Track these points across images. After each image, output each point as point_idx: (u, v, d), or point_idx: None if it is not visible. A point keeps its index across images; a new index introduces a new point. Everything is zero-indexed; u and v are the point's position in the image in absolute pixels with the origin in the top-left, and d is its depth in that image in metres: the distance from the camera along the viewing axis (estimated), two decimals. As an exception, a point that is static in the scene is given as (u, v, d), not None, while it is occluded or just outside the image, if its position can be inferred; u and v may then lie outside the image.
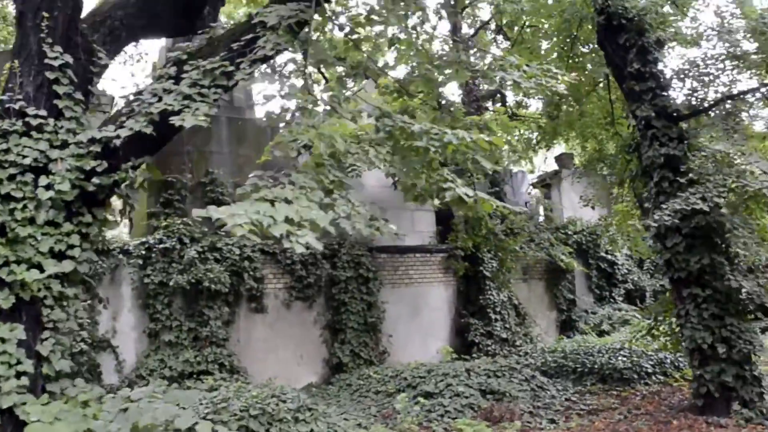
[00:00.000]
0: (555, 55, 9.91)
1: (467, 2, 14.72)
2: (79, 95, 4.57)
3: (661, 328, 9.39)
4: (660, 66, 8.67)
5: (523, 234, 12.62)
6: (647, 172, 8.61)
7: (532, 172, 18.91)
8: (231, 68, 4.73)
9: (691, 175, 7.86)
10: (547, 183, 16.52)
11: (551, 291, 14.63)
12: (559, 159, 16.52)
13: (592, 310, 14.77)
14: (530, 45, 11.11)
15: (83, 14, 5.24)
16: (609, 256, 15.20)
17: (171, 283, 10.02)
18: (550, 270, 14.51)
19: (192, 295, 10.26)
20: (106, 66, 4.95)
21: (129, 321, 10.11)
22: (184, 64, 5.20)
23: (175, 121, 4.22)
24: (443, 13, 17.12)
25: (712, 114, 8.33)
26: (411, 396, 8.53)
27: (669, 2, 9.09)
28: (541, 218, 16.20)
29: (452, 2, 16.26)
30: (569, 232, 14.92)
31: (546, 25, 9.73)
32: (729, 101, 8.20)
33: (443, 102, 14.25)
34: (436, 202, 5.00)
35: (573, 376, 10.41)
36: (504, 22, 14.50)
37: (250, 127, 12.73)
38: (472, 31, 15.90)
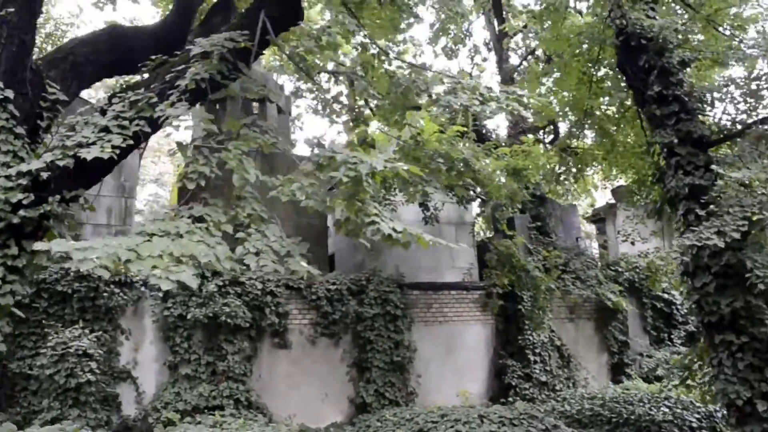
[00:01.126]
0: (576, 82, 9.37)
1: (510, 34, 14.38)
2: (20, 129, 4.60)
3: (697, 378, 8.50)
4: (686, 87, 8.01)
5: (555, 271, 11.91)
6: (673, 203, 7.92)
7: (592, 206, 18.03)
8: (155, 100, 4.66)
9: (711, 206, 7.14)
10: (601, 217, 15.68)
11: (601, 332, 13.71)
12: (615, 192, 15.68)
13: (648, 353, 13.71)
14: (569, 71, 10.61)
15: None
16: (665, 295, 14.13)
17: (189, 317, 10.05)
18: (599, 309, 13.62)
19: (212, 329, 10.24)
20: (63, 101, 5.00)
21: (151, 353, 10.19)
22: (114, 97, 5.16)
23: (81, 153, 4.17)
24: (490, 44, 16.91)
25: (743, 139, 7.58)
26: (418, 442, 8.10)
27: (696, 22, 8.41)
28: (595, 254, 15.34)
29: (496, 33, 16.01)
30: (620, 269, 14.01)
31: (566, 53, 9.25)
32: (762, 125, 7.43)
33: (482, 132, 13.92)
34: (376, 236, 4.67)
35: (607, 427, 9.59)
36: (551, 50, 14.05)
37: (281, 158, 12.75)
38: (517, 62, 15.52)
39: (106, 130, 4.38)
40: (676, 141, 7.84)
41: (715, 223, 6.71)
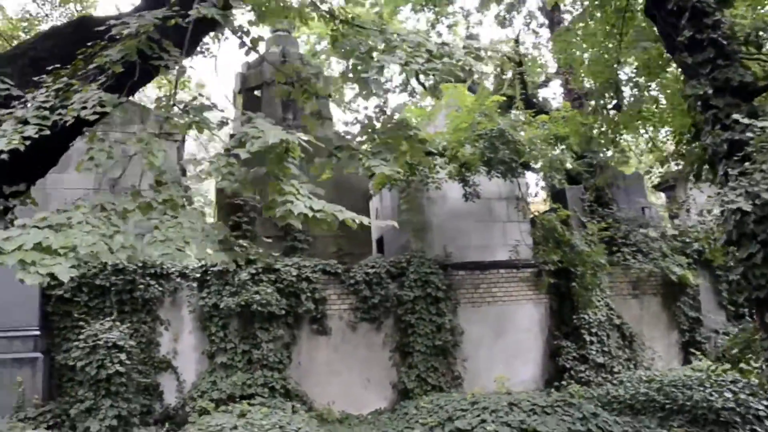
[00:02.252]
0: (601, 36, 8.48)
1: None
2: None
3: (752, 362, 7.59)
4: (725, 29, 7.04)
5: (600, 246, 11.05)
6: (712, 163, 7.04)
7: (648, 173, 16.66)
8: (76, 87, 4.47)
9: (747, 164, 6.24)
10: (670, 185, 14.49)
11: (669, 308, 12.70)
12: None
13: (725, 331, 12.57)
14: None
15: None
16: (743, 267, 12.86)
17: (223, 306, 10.08)
18: (667, 284, 12.60)
19: (247, 317, 10.23)
20: (17, 96, 4.93)
21: (190, 342, 10.31)
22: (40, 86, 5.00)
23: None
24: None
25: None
26: (443, 432, 7.73)
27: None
28: (665, 226, 14.20)
29: None
30: (688, 240, 12.87)
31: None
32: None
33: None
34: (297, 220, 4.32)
35: (660, 414, 8.78)
36: None
37: (316, 145, 12.56)
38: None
39: (25, 122, 4.27)
40: (711, 91, 6.95)
41: (743, 183, 5.86)
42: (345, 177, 11.54)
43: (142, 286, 9.92)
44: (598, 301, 11.70)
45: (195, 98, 4.64)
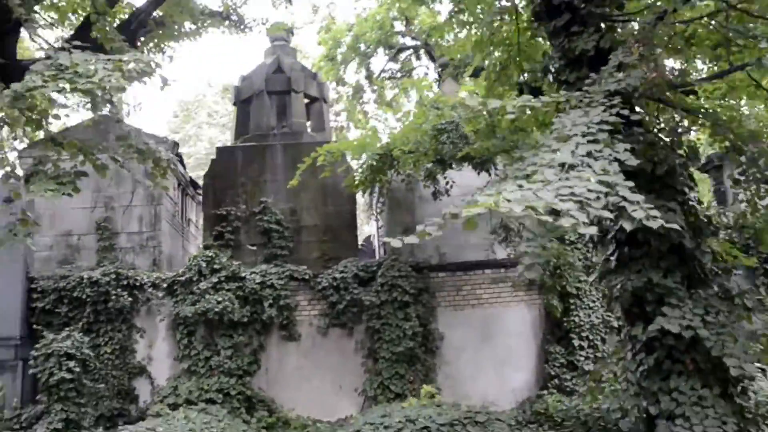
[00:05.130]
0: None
1: None
2: None
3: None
4: None
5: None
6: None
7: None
8: None
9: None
10: (716, 165, 12.52)
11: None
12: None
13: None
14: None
15: None
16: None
17: (183, 314, 10.46)
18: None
19: (213, 324, 10.53)
20: None
21: (164, 349, 10.82)
22: None
23: None
24: None
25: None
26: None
27: None
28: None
29: None
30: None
31: None
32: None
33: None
34: None
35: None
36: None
37: (305, 151, 12.56)
38: None
39: None
40: (559, 64, 6.04)
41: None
42: (331, 180, 11.52)
43: (114, 297, 10.59)
44: (592, 301, 10.51)
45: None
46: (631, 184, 3.76)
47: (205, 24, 11.04)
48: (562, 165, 3.73)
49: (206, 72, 50.70)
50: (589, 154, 3.93)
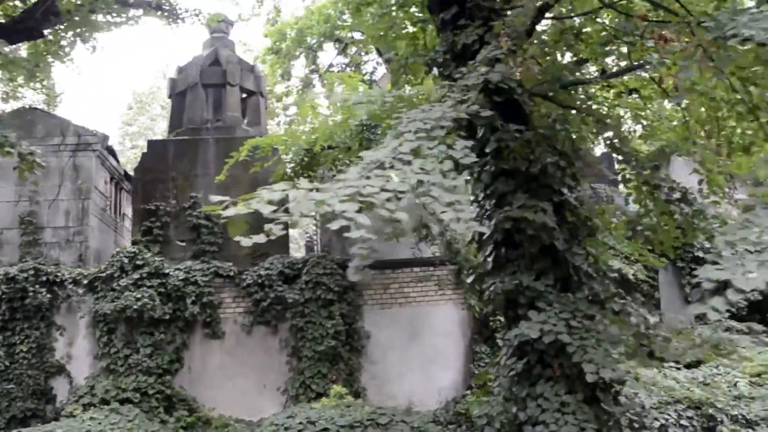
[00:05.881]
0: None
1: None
2: None
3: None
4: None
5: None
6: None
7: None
8: None
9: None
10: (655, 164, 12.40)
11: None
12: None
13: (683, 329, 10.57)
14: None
15: None
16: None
17: (102, 311, 10.23)
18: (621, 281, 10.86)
19: (133, 322, 10.30)
20: None
21: (84, 347, 10.58)
22: None
23: None
24: None
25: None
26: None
27: None
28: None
29: None
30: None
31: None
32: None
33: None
34: None
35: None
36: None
37: (238, 146, 12.33)
38: None
39: None
40: (443, 58, 5.87)
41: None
42: (262, 175, 11.27)
43: (32, 294, 10.32)
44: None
45: None
46: (452, 183, 3.59)
47: (130, 14, 10.77)
48: (376, 163, 3.56)
49: (160, 63, 49.95)
50: (413, 152, 3.76)
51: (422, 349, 10.81)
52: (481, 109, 4.39)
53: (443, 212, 3.43)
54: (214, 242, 11.52)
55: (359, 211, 3.22)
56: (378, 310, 10.92)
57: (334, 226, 2.99)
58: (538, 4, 5.51)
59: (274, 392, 10.56)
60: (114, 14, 10.12)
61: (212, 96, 12.73)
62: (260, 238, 3.79)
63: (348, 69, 15.53)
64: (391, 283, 11.03)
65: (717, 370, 9.54)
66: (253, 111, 13.04)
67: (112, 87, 47.14)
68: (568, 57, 6.62)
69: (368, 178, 3.38)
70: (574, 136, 5.69)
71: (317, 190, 3.21)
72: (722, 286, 10.09)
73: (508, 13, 5.81)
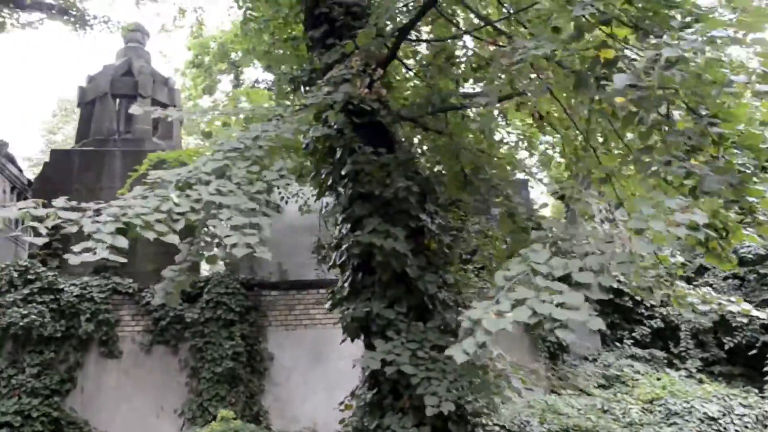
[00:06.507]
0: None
1: None
2: None
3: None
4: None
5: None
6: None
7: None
8: None
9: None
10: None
11: (533, 335, 10.91)
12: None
13: (594, 357, 10.61)
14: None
15: None
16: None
17: (-14, 328, 9.75)
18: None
19: (20, 339, 9.83)
20: None
21: (-31, 367, 10.07)
22: None
23: None
24: None
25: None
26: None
27: None
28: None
29: None
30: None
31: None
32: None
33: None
34: None
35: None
36: None
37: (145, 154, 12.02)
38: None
39: None
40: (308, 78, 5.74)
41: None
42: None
43: None
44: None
45: None
46: (251, 205, 3.42)
47: (31, 17, 10.42)
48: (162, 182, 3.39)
49: (88, 70, 48.27)
50: (215, 171, 3.59)
51: (327, 372, 10.58)
52: (325, 129, 4.26)
53: (227, 236, 3.26)
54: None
55: (120, 231, 3.05)
56: (282, 331, 10.68)
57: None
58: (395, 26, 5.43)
59: (172, 415, 10.19)
60: (5, 15, 9.76)
61: (124, 107, 12.37)
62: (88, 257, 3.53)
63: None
64: (297, 305, 10.81)
65: (615, 396, 9.56)
66: (165, 124, 12.71)
67: (36, 93, 45.48)
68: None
69: (145, 198, 3.21)
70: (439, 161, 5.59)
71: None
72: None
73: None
